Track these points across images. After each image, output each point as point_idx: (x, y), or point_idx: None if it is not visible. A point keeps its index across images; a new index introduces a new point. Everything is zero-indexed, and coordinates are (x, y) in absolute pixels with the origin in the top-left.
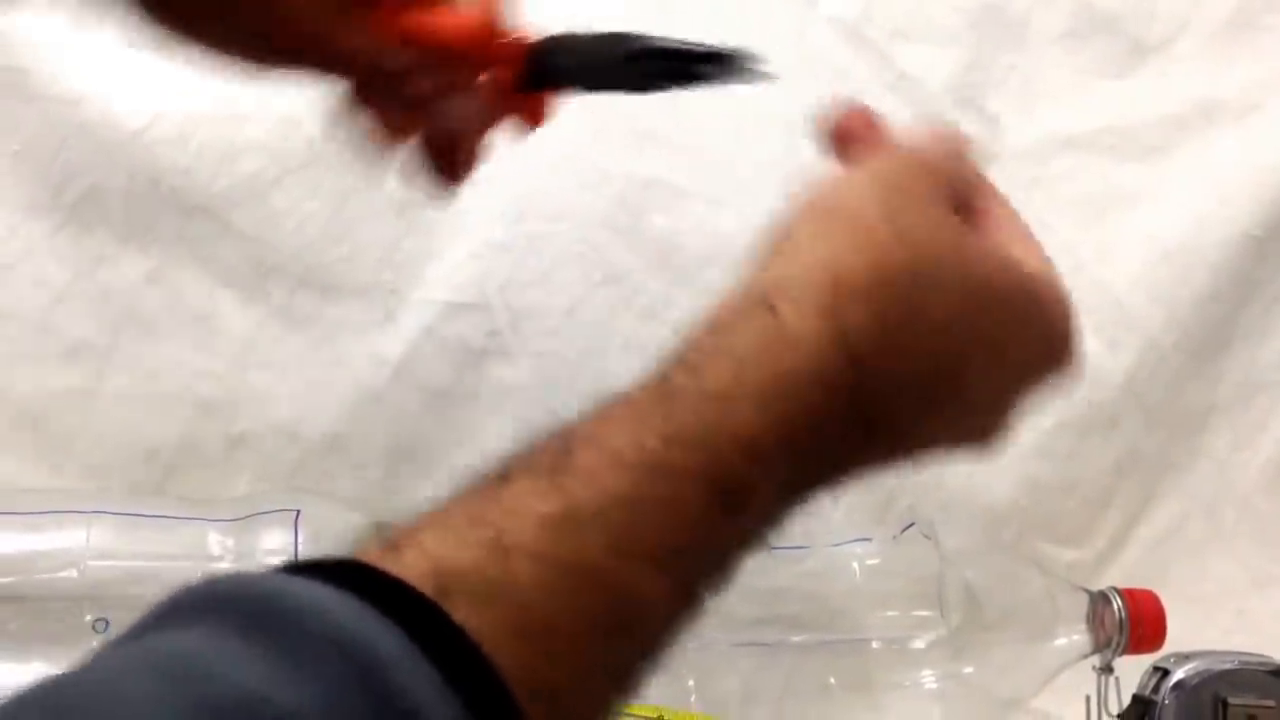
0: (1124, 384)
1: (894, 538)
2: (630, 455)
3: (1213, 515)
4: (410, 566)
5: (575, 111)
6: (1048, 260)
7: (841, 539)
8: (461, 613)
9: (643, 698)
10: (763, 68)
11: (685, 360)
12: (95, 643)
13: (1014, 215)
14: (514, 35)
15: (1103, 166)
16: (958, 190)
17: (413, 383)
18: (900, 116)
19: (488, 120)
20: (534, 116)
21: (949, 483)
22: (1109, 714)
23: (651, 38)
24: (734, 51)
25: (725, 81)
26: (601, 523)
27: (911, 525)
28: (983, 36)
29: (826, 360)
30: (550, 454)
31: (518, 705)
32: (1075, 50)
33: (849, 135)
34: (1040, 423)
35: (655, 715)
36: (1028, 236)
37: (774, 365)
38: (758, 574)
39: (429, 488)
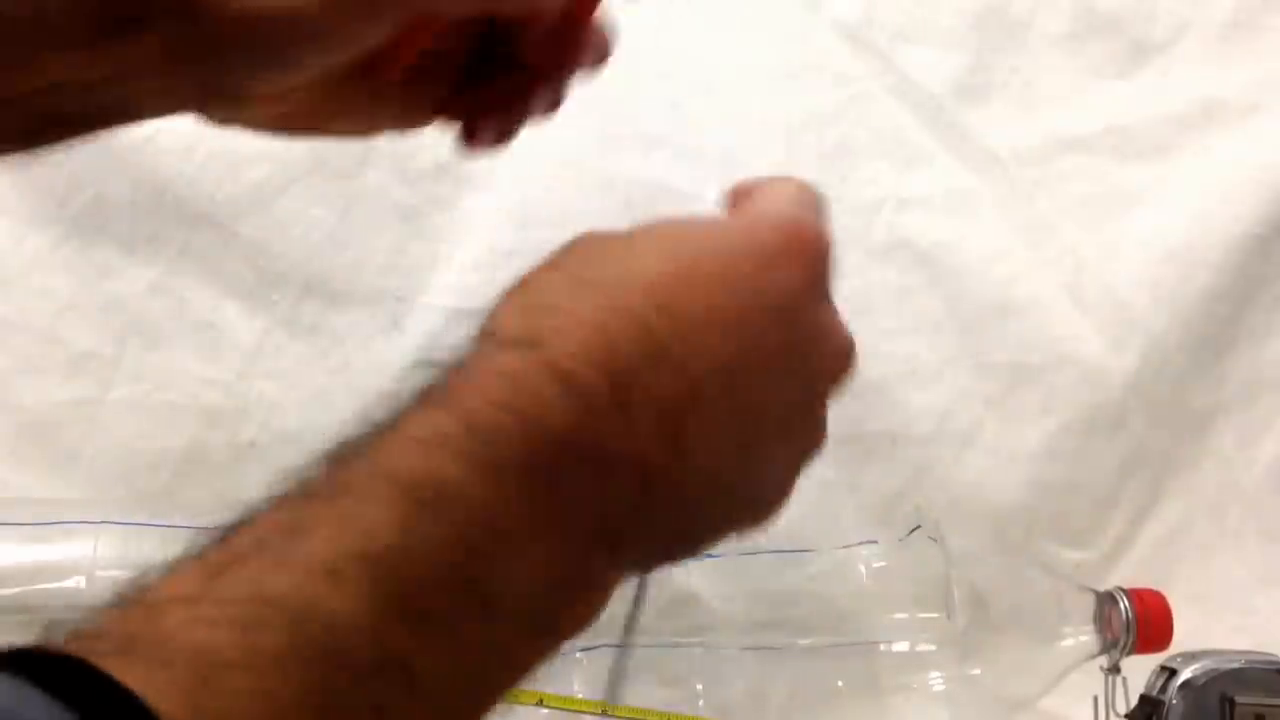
0: (1129, 384)
1: (900, 540)
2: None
3: (1219, 514)
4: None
5: (580, 116)
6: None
7: (848, 541)
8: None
9: (649, 703)
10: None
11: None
12: None
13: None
14: None
15: (1105, 167)
16: None
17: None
18: (903, 119)
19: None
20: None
21: (955, 484)
22: (1117, 714)
23: None
24: None
25: None
26: (261, 548)
27: (918, 528)
28: (984, 38)
29: (503, 360)
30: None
31: None
32: (1077, 51)
33: None
34: (1046, 423)
35: None
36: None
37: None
38: (765, 577)
39: None
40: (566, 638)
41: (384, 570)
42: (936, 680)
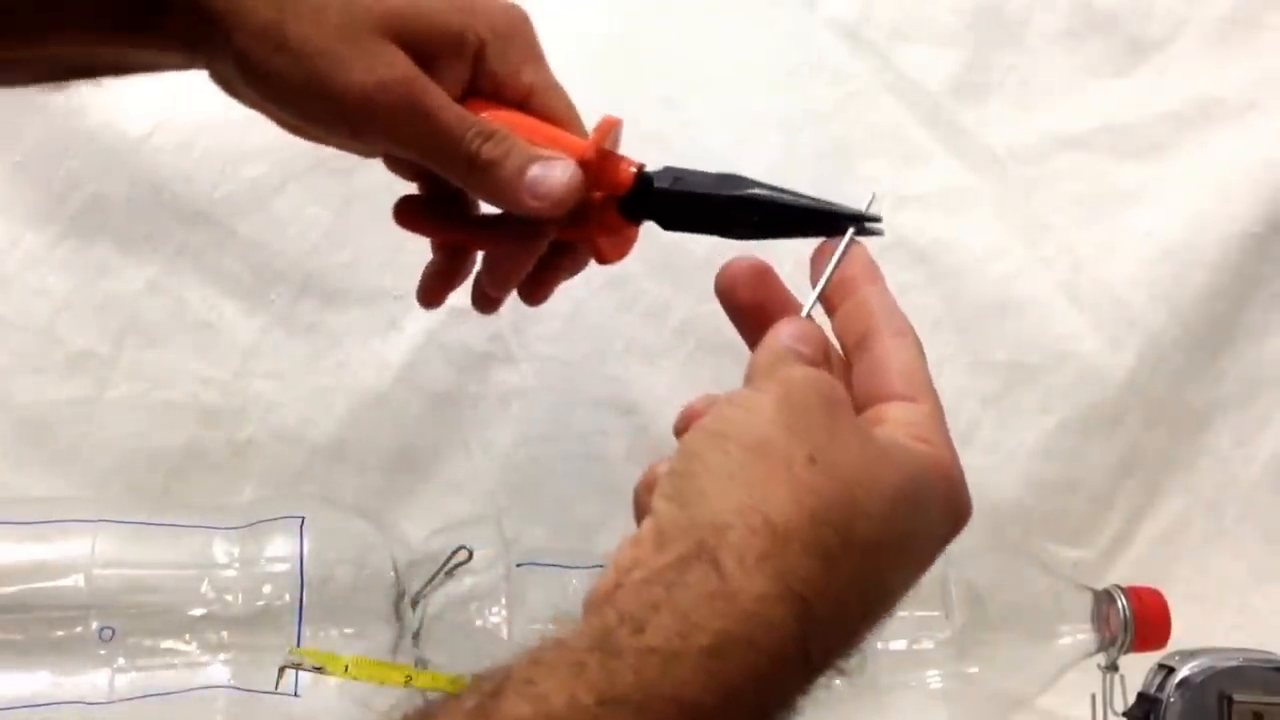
0: (1126, 382)
1: None
2: (562, 712)
3: (1216, 512)
4: None
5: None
6: (934, 422)
7: None
8: None
9: None
10: (877, 228)
11: (625, 611)
12: (102, 650)
13: (902, 363)
14: (627, 161)
15: (1102, 165)
16: (851, 387)
17: (416, 388)
18: (901, 118)
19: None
20: (615, 248)
21: None
22: (1115, 712)
23: (764, 186)
24: (847, 212)
25: (831, 236)
26: None
27: None
28: (981, 37)
29: (774, 617)
30: (480, 696)
31: None
32: (1074, 50)
33: (751, 304)
34: (1044, 422)
35: None
36: (917, 393)
37: (719, 623)
38: None
39: (433, 492)
40: None
41: None
42: (934, 678)
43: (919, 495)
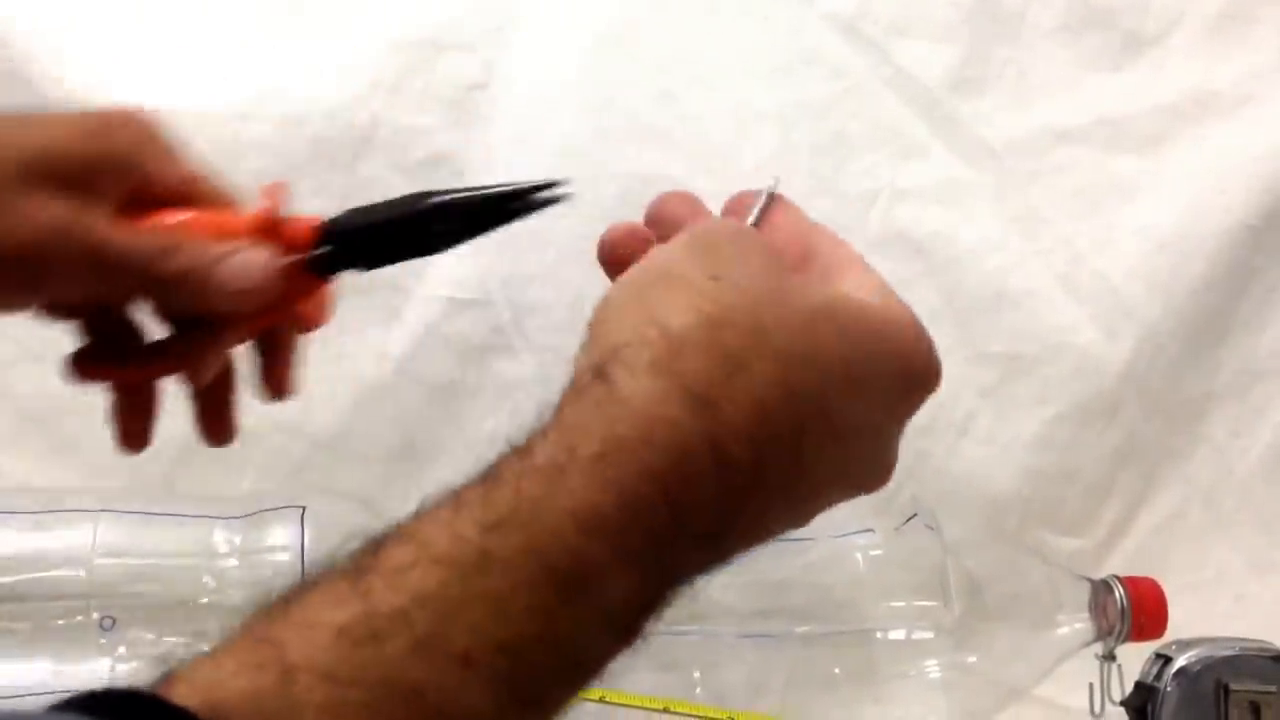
0: (1123, 373)
1: (897, 529)
2: (442, 548)
3: (1212, 502)
4: (184, 699)
5: (577, 109)
6: (887, 290)
7: (845, 530)
8: None
9: (647, 690)
10: (562, 191)
11: (515, 445)
12: (102, 640)
13: (847, 253)
14: (303, 220)
15: (1099, 158)
16: (778, 241)
17: (417, 379)
18: (898, 111)
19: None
20: (314, 313)
21: (951, 473)
22: (1112, 701)
23: (444, 191)
24: (534, 185)
25: (524, 214)
26: (403, 625)
27: (914, 516)
28: (978, 31)
29: (669, 415)
30: (357, 555)
31: None
32: (1070, 43)
33: (620, 246)
34: (1041, 413)
35: (661, 708)
36: (863, 270)
37: (607, 428)
38: (762, 566)
39: (433, 482)
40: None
41: (518, 663)
42: (933, 668)
43: (848, 326)
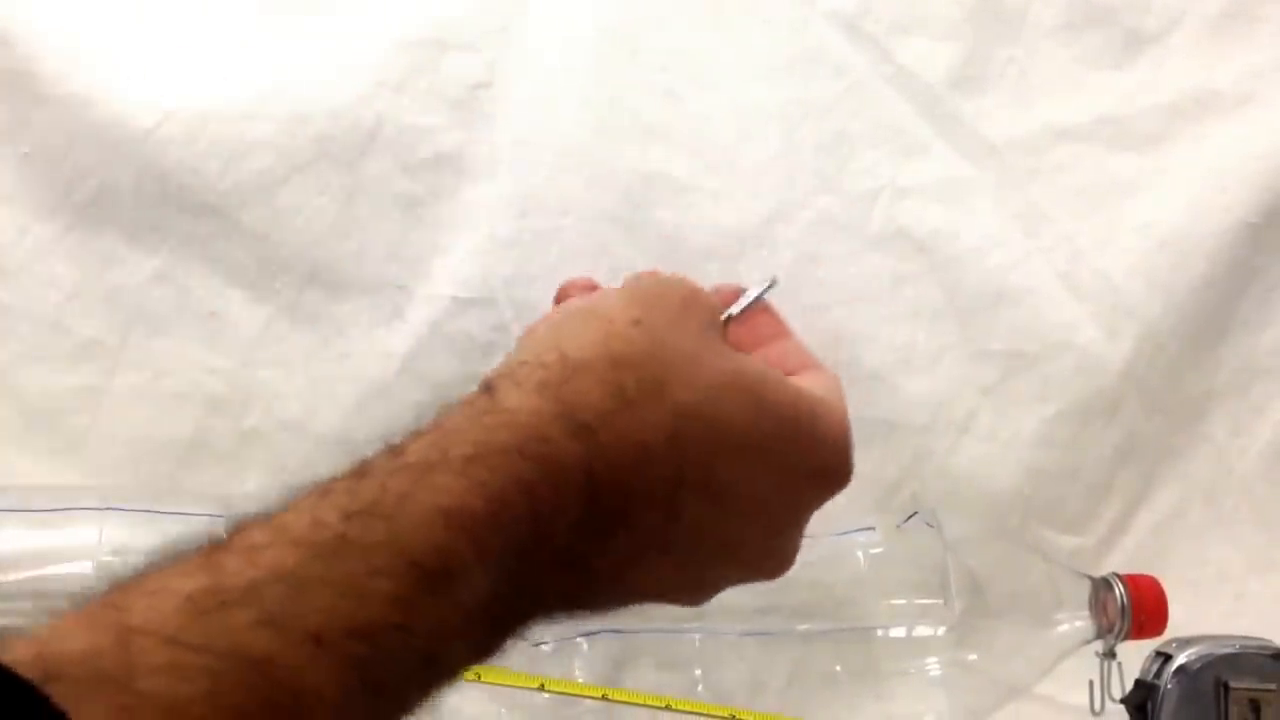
0: (1123, 371)
1: (898, 526)
2: (301, 532)
3: (1213, 500)
4: (20, 653)
5: (579, 108)
6: (835, 390)
7: (846, 528)
8: (68, 700)
9: (649, 688)
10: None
11: (389, 444)
12: None
13: (811, 358)
14: None
15: (1100, 157)
16: (740, 330)
17: (420, 378)
18: (900, 110)
19: None
20: None
21: (952, 471)
22: (1112, 699)
23: None
24: None
25: None
26: (254, 598)
27: (915, 514)
28: (980, 29)
29: (544, 433)
30: (216, 535)
31: None
32: (1071, 42)
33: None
34: (1041, 410)
35: (663, 705)
36: (819, 370)
37: (483, 435)
38: None
39: None
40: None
41: (372, 650)
42: (933, 665)
43: (769, 400)
